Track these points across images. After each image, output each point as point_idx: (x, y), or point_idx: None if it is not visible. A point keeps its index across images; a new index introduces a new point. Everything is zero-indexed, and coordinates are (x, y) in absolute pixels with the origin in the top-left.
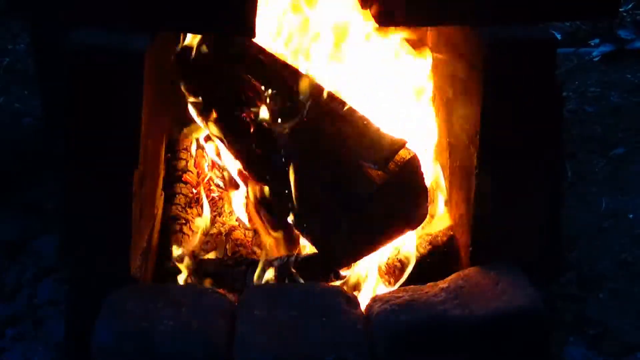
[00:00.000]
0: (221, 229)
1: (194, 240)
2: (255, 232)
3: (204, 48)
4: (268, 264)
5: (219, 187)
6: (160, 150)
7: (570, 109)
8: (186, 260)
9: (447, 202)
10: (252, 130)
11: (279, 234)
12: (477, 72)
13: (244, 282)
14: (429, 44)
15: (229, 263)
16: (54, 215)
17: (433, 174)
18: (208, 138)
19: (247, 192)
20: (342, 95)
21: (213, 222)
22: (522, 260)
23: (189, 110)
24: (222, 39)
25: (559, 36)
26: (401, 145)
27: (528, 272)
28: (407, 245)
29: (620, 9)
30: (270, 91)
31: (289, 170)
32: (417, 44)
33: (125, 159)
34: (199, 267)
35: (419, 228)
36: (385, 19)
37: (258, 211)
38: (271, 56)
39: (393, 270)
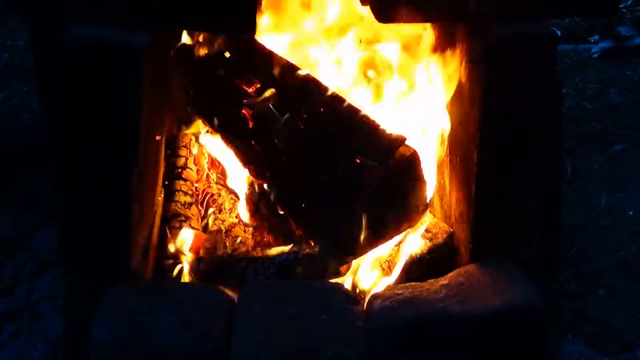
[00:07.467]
0: (221, 225)
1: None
2: (255, 229)
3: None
4: (269, 261)
5: (218, 184)
6: (159, 147)
7: (570, 106)
8: (186, 257)
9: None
10: (251, 126)
11: (278, 231)
12: (477, 68)
13: (244, 279)
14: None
15: (229, 260)
16: (52, 210)
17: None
18: (207, 135)
19: (247, 189)
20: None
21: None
22: (521, 257)
23: (188, 107)
24: (222, 36)
25: (558, 33)
26: (401, 142)
27: (527, 269)
28: (406, 241)
29: (620, 6)
30: (269, 88)
31: (288, 167)
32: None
33: (125, 156)
34: (198, 263)
35: (418, 224)
36: (385, 15)
37: (258, 208)
38: (271, 53)
39: (393, 267)
